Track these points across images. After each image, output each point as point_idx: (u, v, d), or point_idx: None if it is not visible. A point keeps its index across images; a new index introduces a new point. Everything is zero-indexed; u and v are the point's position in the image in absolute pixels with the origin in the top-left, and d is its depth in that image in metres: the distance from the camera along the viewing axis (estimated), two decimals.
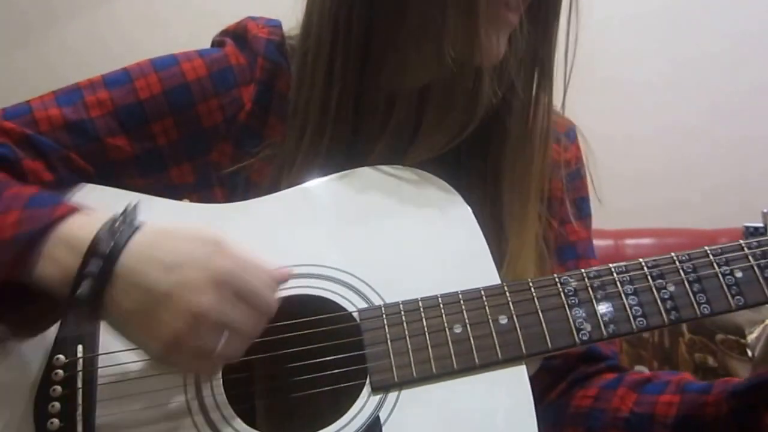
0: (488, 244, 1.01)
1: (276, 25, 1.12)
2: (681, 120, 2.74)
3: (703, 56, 2.72)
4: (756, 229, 1.98)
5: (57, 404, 0.90)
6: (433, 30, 0.99)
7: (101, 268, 0.82)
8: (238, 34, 1.12)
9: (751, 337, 1.78)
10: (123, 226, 0.85)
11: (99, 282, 0.82)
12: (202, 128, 1.07)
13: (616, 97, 2.67)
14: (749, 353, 1.83)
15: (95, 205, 1.02)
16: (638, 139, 2.71)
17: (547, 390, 1.18)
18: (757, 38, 2.72)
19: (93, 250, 0.83)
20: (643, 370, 2.06)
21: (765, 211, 1.87)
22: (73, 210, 0.89)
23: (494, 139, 1.11)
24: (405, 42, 1.02)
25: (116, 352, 0.92)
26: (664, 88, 2.74)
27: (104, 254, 0.83)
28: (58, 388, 0.90)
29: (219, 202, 1.08)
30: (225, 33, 1.13)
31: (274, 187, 1.05)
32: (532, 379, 1.16)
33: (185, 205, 1.08)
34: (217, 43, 1.13)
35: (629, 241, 2.33)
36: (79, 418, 0.89)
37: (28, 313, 0.91)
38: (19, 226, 0.86)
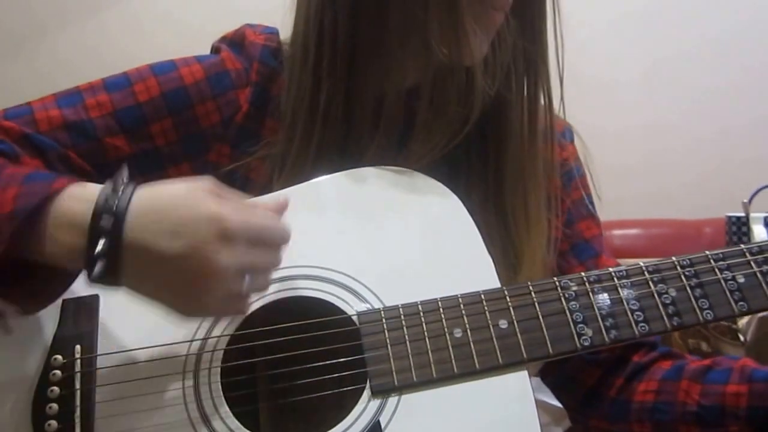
0: (494, 246, 1.01)
1: (273, 32, 1.13)
2: (662, 115, 2.79)
3: (683, 54, 2.78)
4: (738, 218, 2.00)
5: (55, 405, 0.89)
6: (415, 30, 1.00)
7: (109, 245, 0.82)
8: (235, 41, 1.13)
9: (742, 322, 1.79)
10: (118, 197, 0.84)
11: (110, 261, 0.82)
12: (200, 129, 1.08)
13: (598, 93, 2.71)
14: (741, 338, 1.84)
15: None
16: (621, 133, 2.75)
17: (602, 385, 1.18)
18: (734, 37, 2.76)
19: (95, 228, 0.82)
20: None
21: (745, 201, 1.89)
22: (68, 182, 0.87)
23: (494, 139, 1.11)
24: (389, 43, 1.02)
25: (115, 353, 0.92)
26: (645, 84, 2.78)
27: (108, 230, 0.82)
28: (56, 389, 0.90)
29: None
30: (223, 40, 1.15)
31: (269, 187, 1.06)
32: (581, 374, 1.18)
33: None
34: (214, 50, 1.14)
35: (616, 232, 2.36)
36: (77, 420, 0.89)
37: (29, 287, 0.90)
38: (17, 200, 0.85)
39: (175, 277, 0.82)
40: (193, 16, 2.74)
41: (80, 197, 0.85)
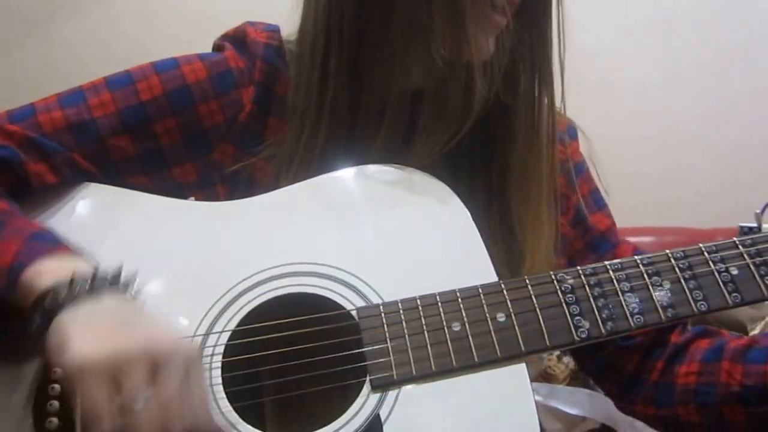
0: (497, 246, 1.02)
1: (274, 30, 1.14)
2: (677, 123, 2.77)
3: (699, 62, 2.76)
4: (750, 229, 1.99)
5: (55, 403, 0.90)
6: (419, 31, 1.01)
7: (42, 319, 0.84)
8: (237, 39, 1.13)
9: (753, 334, 1.78)
10: (79, 291, 0.85)
11: (38, 329, 0.84)
12: (203, 128, 1.08)
13: (615, 99, 2.70)
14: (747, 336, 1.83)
15: (100, 204, 1.05)
16: (636, 140, 2.74)
17: (643, 370, 1.17)
18: (751, 44, 2.74)
19: (38, 303, 0.85)
20: None
21: (757, 212, 1.89)
22: (63, 251, 0.91)
23: (499, 139, 1.12)
24: (394, 44, 1.03)
25: None
26: (662, 91, 2.77)
27: (46, 309, 0.84)
28: (57, 386, 0.90)
29: (221, 200, 1.09)
30: (225, 37, 1.15)
31: (274, 186, 1.06)
32: (620, 361, 1.17)
33: (185, 203, 1.08)
34: (217, 47, 1.14)
35: (629, 239, 2.33)
36: (78, 417, 0.87)
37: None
38: (17, 256, 0.90)
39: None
40: (205, 4, 2.71)
41: (49, 271, 0.88)
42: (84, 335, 0.81)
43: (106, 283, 0.87)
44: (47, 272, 0.87)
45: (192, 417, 0.80)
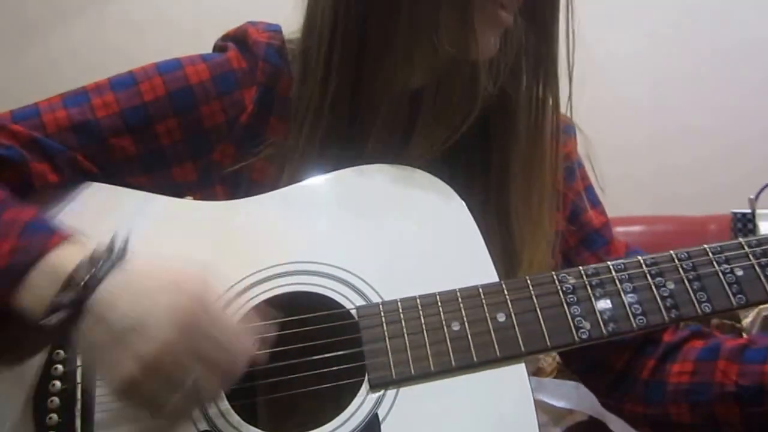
0: (493, 245, 1.01)
1: (276, 30, 1.13)
2: (667, 109, 2.79)
3: (691, 51, 2.78)
4: (744, 215, 1.99)
5: (56, 399, 0.91)
6: (426, 27, 1.00)
7: (72, 300, 0.82)
8: (238, 39, 1.13)
9: (746, 321, 1.78)
10: (105, 260, 0.84)
11: (68, 313, 0.82)
12: (204, 129, 1.08)
13: (606, 90, 2.71)
14: (744, 336, 1.83)
15: (101, 204, 1.05)
16: (627, 129, 2.76)
17: (632, 368, 1.16)
18: (744, 36, 2.76)
19: (69, 282, 0.83)
20: None
21: (751, 197, 1.88)
22: (65, 239, 0.88)
23: (499, 136, 1.11)
24: (399, 39, 1.02)
25: None
26: (652, 80, 2.79)
27: (78, 287, 0.82)
28: (58, 383, 0.91)
29: (220, 201, 1.09)
30: (226, 38, 1.14)
31: (274, 186, 1.06)
32: (609, 358, 1.16)
33: (186, 202, 1.08)
34: (219, 48, 1.14)
35: (620, 229, 2.32)
36: (78, 413, 0.90)
37: (12, 336, 0.91)
38: (12, 255, 0.87)
39: (114, 352, 0.80)
40: (187, 15, 2.76)
41: (69, 255, 0.86)
42: (132, 296, 0.82)
43: (113, 254, 0.85)
44: (58, 264, 0.85)
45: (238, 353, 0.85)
